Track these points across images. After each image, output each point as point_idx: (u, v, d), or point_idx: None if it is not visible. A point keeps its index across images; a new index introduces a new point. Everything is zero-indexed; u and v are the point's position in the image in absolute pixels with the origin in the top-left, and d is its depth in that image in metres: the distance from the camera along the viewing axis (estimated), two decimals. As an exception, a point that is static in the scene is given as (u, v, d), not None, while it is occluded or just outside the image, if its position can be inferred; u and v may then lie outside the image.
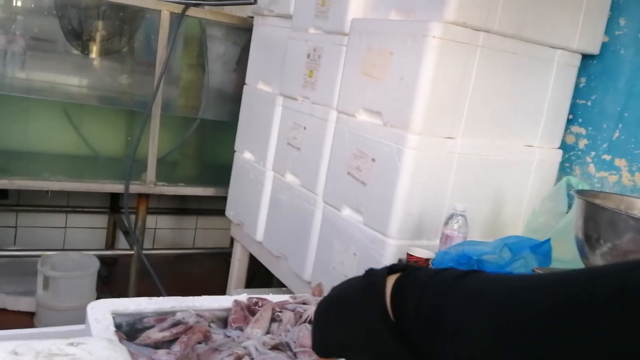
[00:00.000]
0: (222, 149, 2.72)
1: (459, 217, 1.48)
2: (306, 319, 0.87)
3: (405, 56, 1.57)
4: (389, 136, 1.60)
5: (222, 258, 3.04)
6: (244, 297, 0.95)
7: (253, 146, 2.35)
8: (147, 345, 0.77)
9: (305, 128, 2.00)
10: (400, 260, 1.54)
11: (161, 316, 0.84)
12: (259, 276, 2.65)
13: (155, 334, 0.79)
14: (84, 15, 2.43)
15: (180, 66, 2.69)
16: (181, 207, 3.27)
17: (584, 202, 0.88)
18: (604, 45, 1.74)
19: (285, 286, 2.17)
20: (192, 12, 2.49)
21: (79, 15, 2.42)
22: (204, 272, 3.21)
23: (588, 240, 0.89)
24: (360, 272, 1.90)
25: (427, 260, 1.40)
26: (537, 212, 1.62)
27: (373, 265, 1.90)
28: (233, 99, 2.66)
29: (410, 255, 1.44)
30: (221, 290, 2.60)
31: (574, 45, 1.70)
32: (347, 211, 1.76)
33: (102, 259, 2.54)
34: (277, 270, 2.19)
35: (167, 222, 3.25)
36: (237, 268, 2.56)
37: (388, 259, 1.58)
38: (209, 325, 0.84)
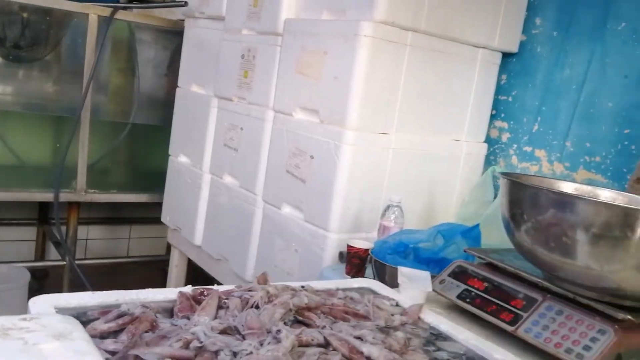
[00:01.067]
0: (156, 154, 2.68)
1: (395, 209, 1.53)
2: (253, 304, 0.88)
3: (339, 55, 1.62)
4: (326, 133, 1.64)
5: (158, 266, 2.98)
6: (188, 288, 0.95)
7: (188, 149, 2.34)
8: (93, 337, 0.76)
9: (242, 129, 2.01)
10: (340, 253, 1.58)
11: (105, 309, 0.84)
12: (198, 282, 2.62)
13: (101, 325, 0.78)
14: (8, 21, 2.34)
15: (110, 70, 2.63)
16: (113, 216, 3.19)
17: (508, 181, 0.95)
18: (522, 44, 1.86)
19: (225, 288, 2.16)
20: (121, 15, 2.45)
21: (2, 21, 2.32)
22: (139, 281, 3.12)
23: (513, 217, 0.95)
24: (302, 268, 1.91)
25: (367, 250, 1.45)
26: (467, 202, 1.71)
27: (314, 260, 1.92)
28: (165, 103, 2.63)
29: (351, 246, 1.48)
30: (159, 297, 2.55)
31: (495, 44, 1.80)
32: (287, 209, 1.78)
33: (32, 271, 2.44)
34: (217, 273, 2.18)
35: (99, 232, 3.15)
36: (175, 275, 2.52)
37: (329, 253, 1.62)
38: (155, 316, 0.84)
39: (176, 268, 2.50)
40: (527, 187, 0.92)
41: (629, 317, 0.87)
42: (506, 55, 1.88)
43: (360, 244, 1.48)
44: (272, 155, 1.86)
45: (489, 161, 1.92)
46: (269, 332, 0.80)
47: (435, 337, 0.95)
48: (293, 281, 1.73)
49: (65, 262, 2.48)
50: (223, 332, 0.81)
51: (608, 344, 0.86)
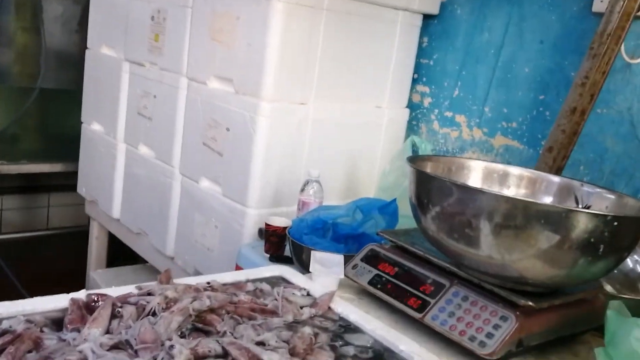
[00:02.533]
0: (68, 120, 2.51)
1: (314, 183, 1.50)
2: (149, 312, 0.83)
3: (252, 20, 1.53)
4: (241, 104, 1.57)
5: (81, 237, 2.86)
6: (82, 293, 0.89)
7: (101, 116, 2.20)
8: (-35, 364, 0.70)
9: (155, 96, 1.90)
10: (260, 229, 1.54)
11: (-16, 327, 0.77)
12: (123, 253, 2.53)
13: (-25, 350, 0.71)
14: None
15: (13, 30, 2.42)
16: (29, 184, 3.00)
17: (414, 170, 0.93)
18: (442, 6, 1.82)
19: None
20: (19, -31, 2.23)
21: None
22: (60, 253, 2.98)
23: (420, 204, 0.94)
24: (222, 244, 1.86)
25: (285, 228, 1.42)
26: (387, 172, 1.70)
27: (234, 236, 1.88)
28: (76, 65, 2.45)
29: (269, 225, 1.44)
30: (81, 272, 2.46)
31: (415, 5, 1.75)
32: (205, 183, 1.71)
33: (-64, 250, 2.28)
34: (138, 247, 2.11)
35: (14, 202, 2.97)
36: (96, 247, 2.43)
37: (248, 229, 1.58)
38: (41, 331, 0.78)
39: (97, 240, 2.41)
40: (432, 177, 0.90)
41: (530, 303, 0.88)
42: (427, 17, 1.84)
43: (279, 221, 1.44)
44: (188, 126, 1.77)
45: (411, 127, 1.91)
46: (163, 344, 0.76)
47: (344, 329, 0.93)
48: (214, 257, 1.69)
49: (-26, 239, 2.33)
50: (114, 347, 0.76)
51: (510, 331, 0.87)
